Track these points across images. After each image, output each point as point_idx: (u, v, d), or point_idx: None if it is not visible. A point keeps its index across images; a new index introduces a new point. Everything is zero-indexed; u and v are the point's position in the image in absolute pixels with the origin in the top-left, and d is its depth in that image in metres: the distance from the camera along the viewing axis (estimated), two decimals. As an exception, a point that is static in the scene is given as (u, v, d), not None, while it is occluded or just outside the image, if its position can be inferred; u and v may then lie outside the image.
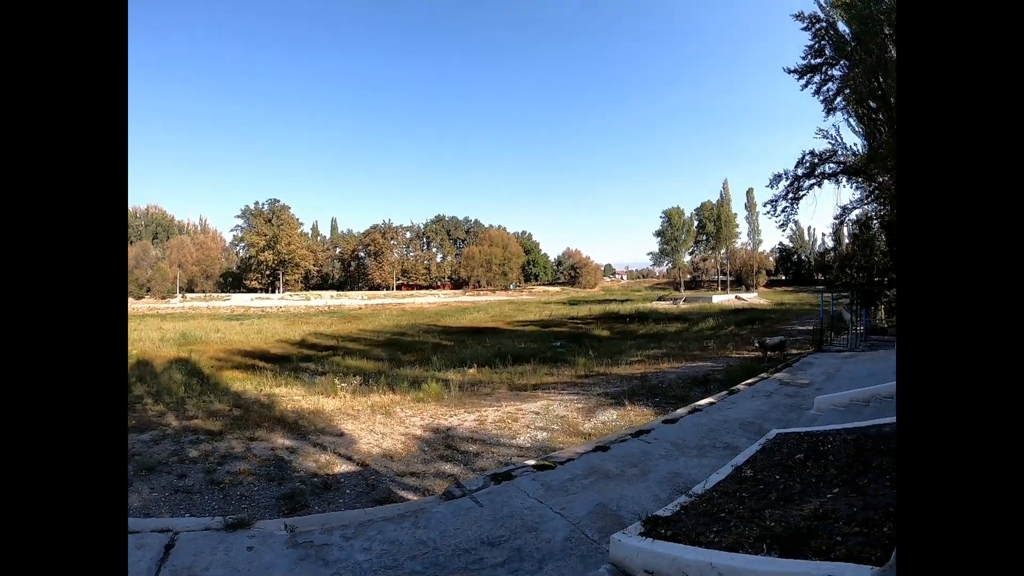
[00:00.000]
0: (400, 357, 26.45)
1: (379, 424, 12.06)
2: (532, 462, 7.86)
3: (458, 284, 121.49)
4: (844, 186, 34.16)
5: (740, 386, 14.42)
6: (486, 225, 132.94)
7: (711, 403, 12.26)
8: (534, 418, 12.55)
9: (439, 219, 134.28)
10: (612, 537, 5.07)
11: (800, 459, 6.90)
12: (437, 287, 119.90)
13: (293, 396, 15.44)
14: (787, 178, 33.93)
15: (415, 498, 7.63)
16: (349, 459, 9.62)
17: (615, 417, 12.72)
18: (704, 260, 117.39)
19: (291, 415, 12.77)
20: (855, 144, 35.91)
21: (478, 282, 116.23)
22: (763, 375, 16.11)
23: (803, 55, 31.63)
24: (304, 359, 26.95)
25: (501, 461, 9.36)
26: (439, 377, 18.50)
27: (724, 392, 13.69)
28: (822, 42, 30.72)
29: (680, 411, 11.56)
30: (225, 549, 5.14)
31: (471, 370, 20.52)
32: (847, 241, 47.20)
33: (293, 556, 5.08)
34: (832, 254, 56.15)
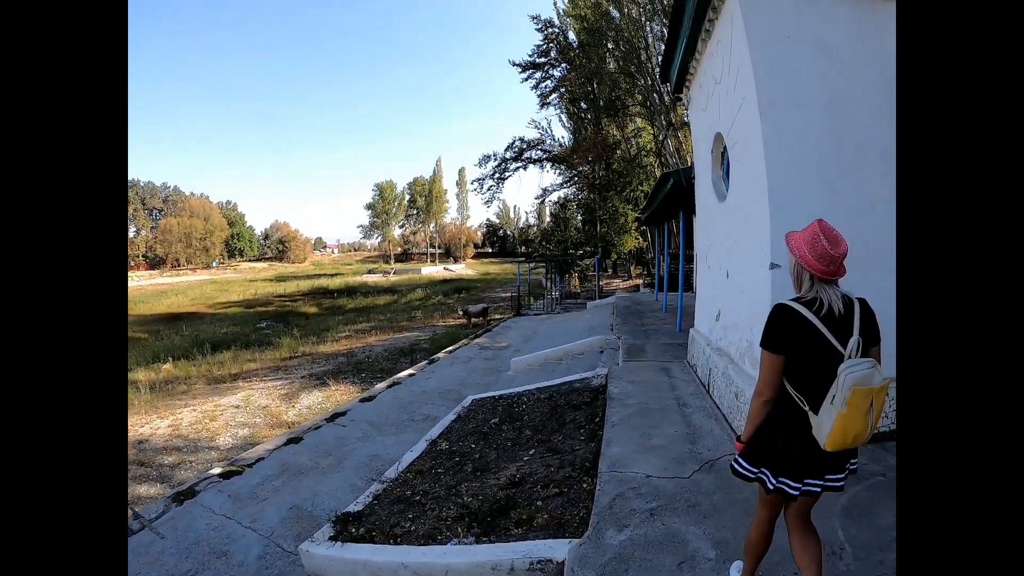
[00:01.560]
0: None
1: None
2: (217, 470, 6.72)
3: (154, 263, 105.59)
4: (548, 171, 38.46)
5: (441, 355, 14.43)
6: (187, 193, 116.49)
7: (411, 375, 11.98)
8: (235, 413, 11.21)
9: (132, 185, 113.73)
10: (300, 548, 4.45)
11: (495, 424, 6.83)
12: (131, 268, 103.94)
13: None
14: (495, 159, 37.21)
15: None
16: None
17: (320, 399, 11.92)
18: (414, 234, 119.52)
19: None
20: (563, 137, 42.17)
21: (177, 260, 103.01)
22: (464, 341, 16.41)
23: (530, 53, 35.04)
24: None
25: (202, 469, 8.13)
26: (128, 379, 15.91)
27: (424, 362, 13.55)
28: (550, 45, 34.33)
29: (379, 386, 11.06)
30: None
31: (166, 366, 17.69)
32: (548, 219, 52.11)
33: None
34: (535, 229, 61.13)
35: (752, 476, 2.53)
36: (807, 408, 2.28)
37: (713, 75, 6.07)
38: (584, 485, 4.47)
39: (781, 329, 2.31)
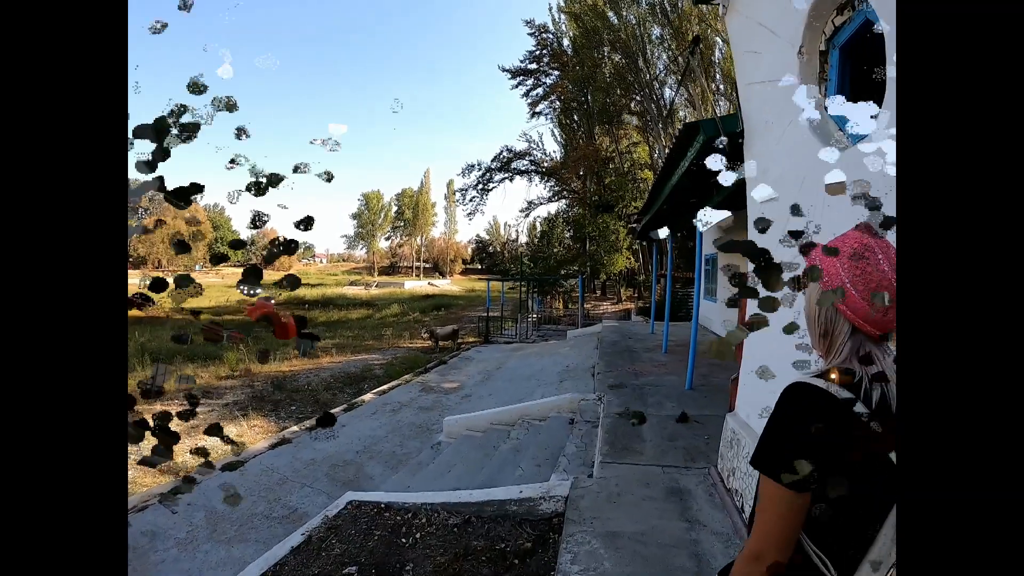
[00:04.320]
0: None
1: None
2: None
3: (136, 263, 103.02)
4: (536, 185, 37.76)
5: (369, 396, 11.35)
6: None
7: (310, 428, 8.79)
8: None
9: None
10: None
11: (351, 581, 3.65)
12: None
13: None
14: (479, 169, 35.65)
15: None
16: None
17: (232, 436, 8.74)
18: (401, 246, 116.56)
19: None
20: (554, 151, 40.07)
21: (159, 261, 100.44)
22: (407, 377, 13.43)
23: (522, 59, 34.09)
24: None
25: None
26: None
27: (341, 407, 10.49)
28: (543, 50, 33.20)
29: (258, 446, 7.94)
30: None
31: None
32: (537, 235, 50.40)
33: None
34: (523, 246, 58.69)
35: None
36: None
37: None
38: None
39: (809, 437, 1.00)
